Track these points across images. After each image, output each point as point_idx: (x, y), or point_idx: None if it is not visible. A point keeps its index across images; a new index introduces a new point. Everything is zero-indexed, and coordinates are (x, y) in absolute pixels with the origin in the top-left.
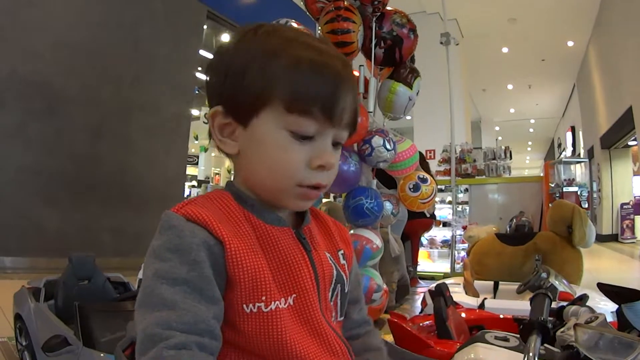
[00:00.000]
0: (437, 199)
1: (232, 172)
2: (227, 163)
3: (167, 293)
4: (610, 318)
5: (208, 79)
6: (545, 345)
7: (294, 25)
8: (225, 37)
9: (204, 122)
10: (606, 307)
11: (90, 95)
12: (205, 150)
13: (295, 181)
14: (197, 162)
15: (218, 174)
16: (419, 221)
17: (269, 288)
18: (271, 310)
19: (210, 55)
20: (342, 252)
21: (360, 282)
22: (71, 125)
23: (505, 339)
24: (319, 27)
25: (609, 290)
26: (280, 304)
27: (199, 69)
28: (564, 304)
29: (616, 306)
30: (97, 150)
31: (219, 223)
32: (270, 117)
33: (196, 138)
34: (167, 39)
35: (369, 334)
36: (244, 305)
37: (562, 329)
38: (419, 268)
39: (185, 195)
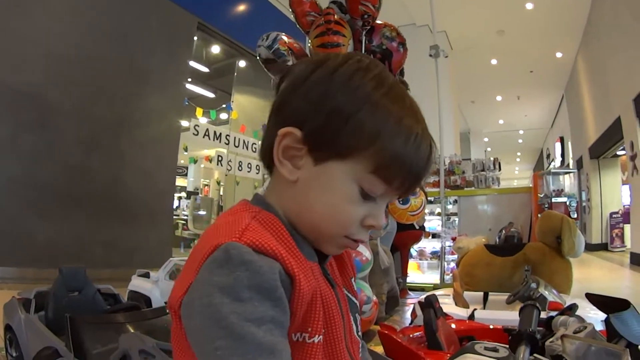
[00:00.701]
0: (426, 211)
1: (268, 190)
2: (217, 175)
3: (259, 336)
4: (600, 327)
5: (290, 92)
6: (535, 355)
7: (285, 39)
8: (216, 49)
9: (193, 133)
10: (596, 316)
11: (82, 106)
12: (195, 161)
13: (345, 233)
14: (186, 173)
15: (207, 185)
16: (408, 233)
17: (317, 320)
18: (313, 342)
19: (200, 67)
20: (353, 278)
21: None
22: (63, 137)
23: (495, 350)
24: (309, 40)
25: (597, 301)
26: (320, 338)
27: (189, 80)
28: (554, 314)
29: (605, 315)
30: (88, 162)
31: (290, 257)
32: (349, 167)
33: (185, 149)
34: (158, 50)
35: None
36: (293, 334)
37: (551, 339)
38: (408, 279)
39: (174, 207)
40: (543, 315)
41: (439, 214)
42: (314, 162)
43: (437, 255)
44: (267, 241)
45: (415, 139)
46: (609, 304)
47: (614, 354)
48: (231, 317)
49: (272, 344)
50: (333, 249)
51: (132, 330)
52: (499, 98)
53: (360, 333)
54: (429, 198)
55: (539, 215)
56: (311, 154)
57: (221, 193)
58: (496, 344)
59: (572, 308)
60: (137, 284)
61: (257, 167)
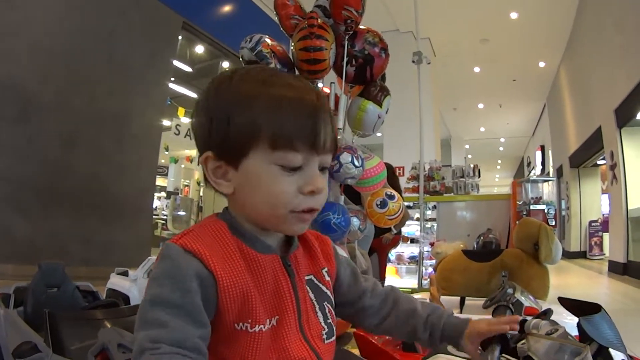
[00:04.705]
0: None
1: (229, 203)
2: (197, 175)
3: (161, 314)
4: (576, 332)
5: (194, 124)
6: (508, 357)
7: (268, 41)
8: (200, 49)
9: (175, 133)
10: (572, 321)
11: (64, 102)
12: (176, 161)
13: (289, 209)
14: (167, 173)
15: (187, 185)
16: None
17: (256, 312)
18: (255, 332)
19: (184, 66)
20: (325, 269)
21: (357, 274)
22: (43, 132)
23: None
24: (292, 44)
25: (569, 304)
26: (263, 327)
27: (172, 79)
28: (528, 317)
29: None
30: (69, 158)
31: (212, 256)
32: (258, 156)
33: (166, 149)
34: (142, 49)
35: (396, 305)
36: (235, 324)
37: (522, 341)
38: (386, 284)
39: (153, 207)
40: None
41: (417, 219)
42: (235, 170)
43: (415, 260)
44: (194, 243)
45: (289, 104)
46: (581, 308)
47: (574, 351)
48: (149, 298)
49: (166, 322)
50: (292, 227)
51: (110, 327)
52: (480, 106)
53: (330, 321)
54: (407, 203)
55: (517, 222)
56: (229, 165)
57: (201, 194)
58: None
59: (547, 313)
60: (116, 282)
61: None
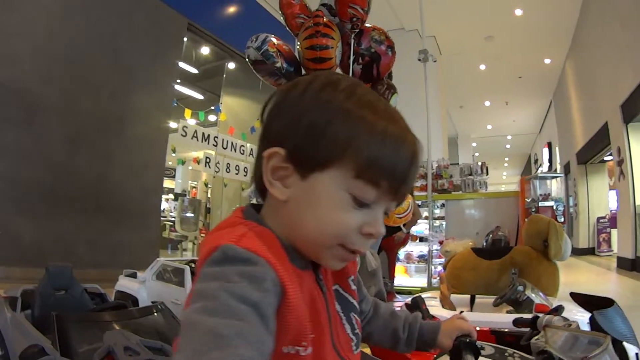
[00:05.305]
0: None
1: (267, 211)
2: (205, 177)
3: (236, 307)
4: (586, 328)
5: (271, 113)
6: (521, 353)
7: (274, 41)
8: (205, 50)
9: (181, 134)
10: (582, 318)
11: (69, 104)
12: (183, 163)
13: (340, 241)
14: (174, 175)
15: (195, 187)
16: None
17: (309, 335)
18: (306, 355)
19: (189, 68)
20: (352, 278)
21: (360, 280)
22: (49, 134)
23: (482, 348)
24: (298, 43)
25: (581, 300)
26: (310, 350)
27: (178, 81)
28: (539, 314)
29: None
30: (75, 160)
31: (281, 267)
32: (336, 176)
33: (174, 151)
34: (147, 50)
35: (377, 308)
36: (283, 347)
37: (536, 337)
38: (395, 283)
39: (162, 209)
40: (529, 315)
41: (426, 218)
42: (301, 178)
43: (425, 259)
44: (262, 248)
45: (393, 140)
46: (593, 303)
47: (594, 341)
48: (217, 289)
49: (244, 315)
50: (332, 262)
51: (118, 329)
52: (487, 103)
53: (357, 331)
54: (416, 201)
55: (526, 219)
56: (297, 171)
57: (209, 195)
58: (483, 342)
59: (559, 309)
60: (124, 284)
61: (245, 169)
